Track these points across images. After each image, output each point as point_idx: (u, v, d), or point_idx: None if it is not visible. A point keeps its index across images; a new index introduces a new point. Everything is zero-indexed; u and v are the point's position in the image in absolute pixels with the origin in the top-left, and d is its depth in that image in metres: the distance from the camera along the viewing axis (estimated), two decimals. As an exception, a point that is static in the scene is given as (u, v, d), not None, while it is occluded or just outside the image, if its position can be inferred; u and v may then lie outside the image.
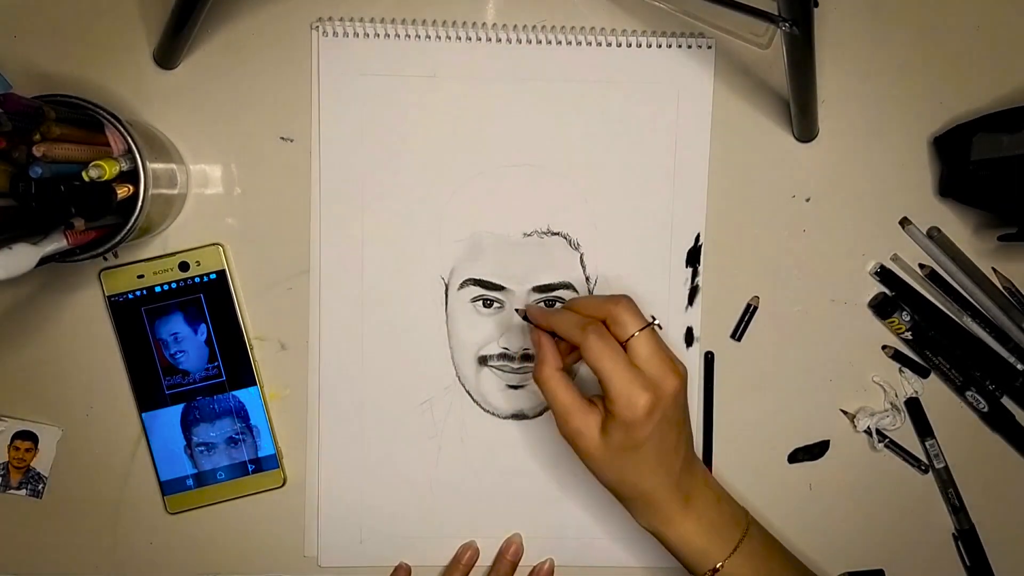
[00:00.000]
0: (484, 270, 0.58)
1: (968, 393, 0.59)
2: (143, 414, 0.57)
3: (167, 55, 0.55)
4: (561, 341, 0.50)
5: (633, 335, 0.47)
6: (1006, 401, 0.59)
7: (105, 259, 0.55)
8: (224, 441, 0.58)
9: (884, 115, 0.58)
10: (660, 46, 0.57)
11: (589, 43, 0.56)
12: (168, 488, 0.58)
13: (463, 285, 0.58)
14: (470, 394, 0.59)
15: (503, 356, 0.58)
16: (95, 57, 0.56)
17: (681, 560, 0.50)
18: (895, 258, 0.59)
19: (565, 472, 0.59)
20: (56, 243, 0.45)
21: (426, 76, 0.56)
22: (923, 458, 0.60)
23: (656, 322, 0.48)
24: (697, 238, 0.58)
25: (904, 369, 0.59)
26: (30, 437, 0.57)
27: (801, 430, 0.60)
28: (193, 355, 0.57)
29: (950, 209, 0.59)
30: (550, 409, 0.49)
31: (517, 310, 0.56)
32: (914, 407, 0.60)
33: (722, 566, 0.49)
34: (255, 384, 0.58)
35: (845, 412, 0.60)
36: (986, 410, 0.59)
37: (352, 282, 0.58)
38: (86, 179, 0.45)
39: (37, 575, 0.59)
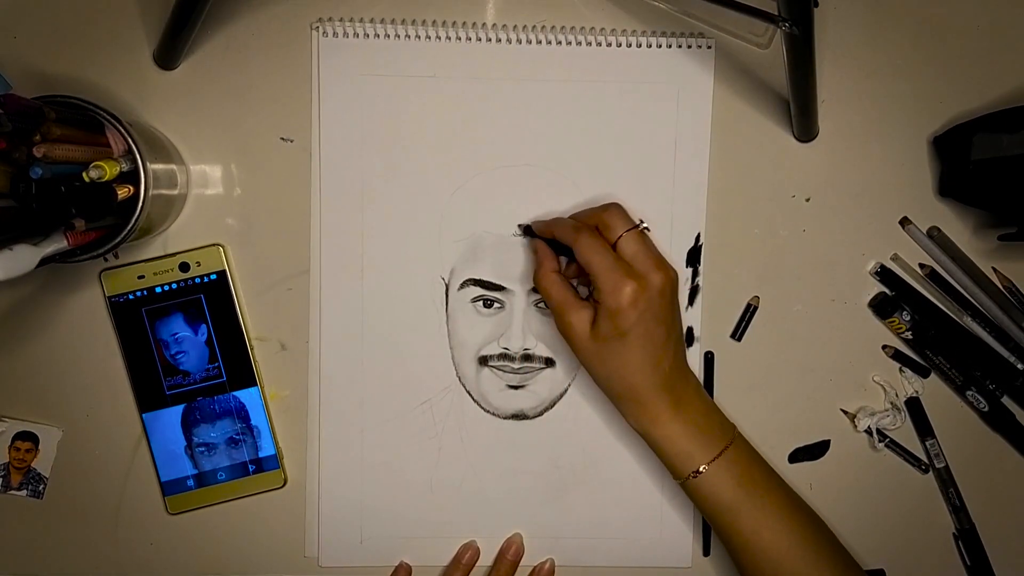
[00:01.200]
0: (484, 270, 0.58)
1: (968, 393, 0.59)
2: (143, 415, 0.57)
3: (167, 56, 0.55)
4: (562, 257, 0.54)
5: (621, 236, 0.50)
6: (1006, 401, 0.59)
7: (105, 260, 0.55)
8: (224, 441, 0.58)
9: (884, 115, 0.58)
10: (660, 46, 0.57)
11: (589, 43, 0.56)
12: (169, 489, 0.58)
13: (463, 285, 0.58)
14: (470, 394, 0.59)
15: (503, 356, 0.58)
16: (95, 58, 0.56)
17: (665, 461, 0.52)
18: (895, 258, 0.59)
19: (565, 472, 0.59)
20: (56, 244, 0.45)
21: (426, 76, 0.56)
22: (923, 458, 0.60)
23: (644, 225, 0.51)
24: (697, 238, 0.58)
25: (904, 369, 0.59)
26: (31, 438, 0.57)
27: (801, 430, 0.60)
28: (193, 355, 0.57)
29: (950, 209, 0.59)
30: (550, 309, 0.52)
31: (519, 225, 0.57)
32: (914, 407, 0.60)
33: (704, 469, 0.50)
34: (255, 384, 0.58)
35: (845, 412, 0.60)
36: (986, 410, 0.59)
37: (352, 282, 0.58)
38: (86, 180, 0.45)
39: (37, 575, 0.59)
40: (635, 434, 0.57)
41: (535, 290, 0.57)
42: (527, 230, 0.57)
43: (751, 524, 0.51)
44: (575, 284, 0.54)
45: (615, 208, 0.51)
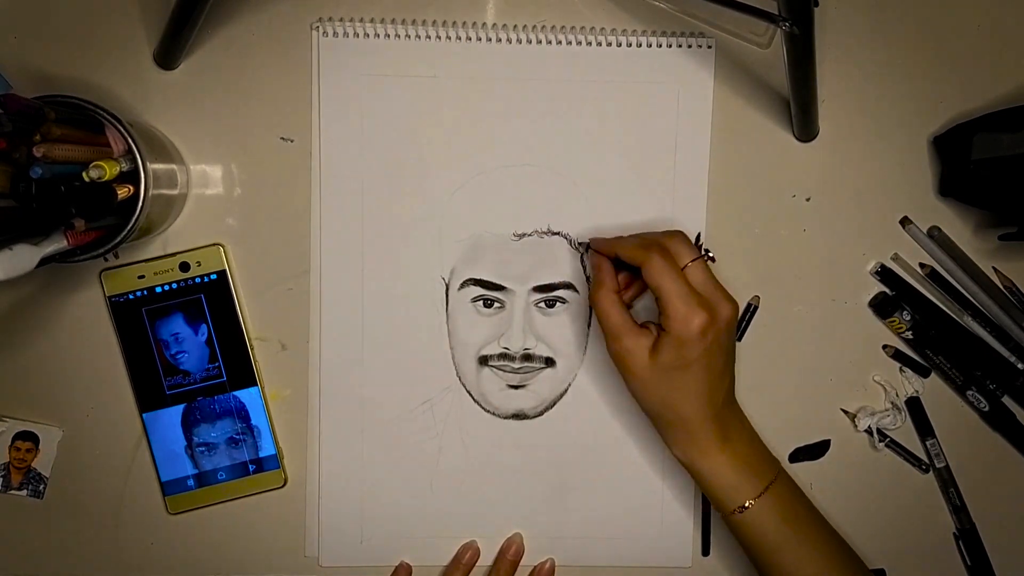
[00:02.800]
0: (485, 270, 0.58)
1: (969, 392, 0.59)
2: (144, 414, 0.57)
3: (167, 55, 0.55)
4: (620, 275, 0.52)
5: (688, 264, 0.49)
6: (1007, 400, 0.59)
7: (106, 260, 0.55)
8: (225, 441, 0.58)
9: (884, 114, 0.58)
10: (660, 46, 0.57)
11: (589, 43, 0.56)
12: (169, 488, 0.58)
13: (464, 285, 0.58)
14: (471, 394, 0.59)
15: (504, 356, 0.58)
16: (95, 58, 0.56)
17: (711, 494, 0.51)
18: (895, 257, 0.59)
19: (565, 472, 0.59)
20: (57, 244, 0.45)
21: (426, 76, 0.56)
22: (924, 457, 0.60)
23: (710, 254, 0.51)
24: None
25: (905, 368, 0.59)
26: (31, 438, 0.57)
27: (802, 430, 0.60)
28: (194, 355, 0.57)
29: (950, 208, 0.59)
30: (601, 329, 0.51)
31: (580, 243, 0.57)
32: (915, 406, 0.60)
33: (752, 504, 0.50)
34: (256, 384, 0.58)
35: (846, 412, 0.60)
36: (987, 409, 0.59)
37: (352, 282, 0.58)
38: (86, 180, 0.45)
39: (38, 575, 0.59)
40: (636, 433, 0.58)
41: (535, 290, 0.57)
42: (587, 247, 0.55)
43: (794, 560, 0.50)
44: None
45: (681, 235, 0.51)
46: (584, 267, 0.58)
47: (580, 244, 0.57)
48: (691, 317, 0.47)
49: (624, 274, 0.53)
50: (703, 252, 0.50)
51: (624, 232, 0.54)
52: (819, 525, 0.52)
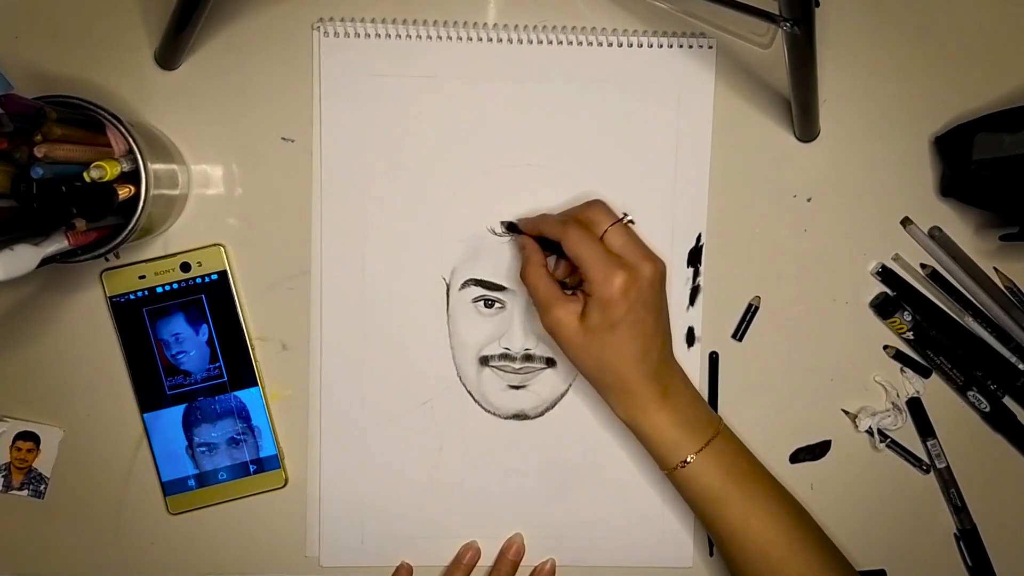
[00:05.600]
0: (485, 270, 0.58)
1: (970, 393, 0.59)
2: (144, 414, 0.57)
3: (168, 55, 0.55)
4: (548, 256, 0.53)
5: (607, 229, 0.50)
6: (1008, 401, 0.59)
7: (106, 260, 0.55)
8: (225, 441, 0.58)
9: (885, 115, 0.58)
10: (661, 46, 0.57)
11: (590, 43, 0.56)
12: (169, 488, 0.58)
13: (464, 285, 0.58)
14: (471, 394, 0.59)
15: (504, 356, 0.58)
16: (96, 58, 0.56)
17: (653, 451, 0.52)
18: (896, 258, 0.59)
19: (566, 472, 0.59)
20: (57, 244, 0.45)
21: (427, 76, 0.56)
22: (924, 458, 0.60)
23: (628, 217, 0.51)
24: (698, 238, 0.58)
25: (905, 369, 0.59)
26: (32, 438, 0.57)
27: (802, 430, 0.60)
28: (194, 355, 0.57)
29: (951, 209, 0.59)
30: (534, 304, 0.52)
31: (502, 222, 0.57)
32: (915, 407, 0.60)
33: (692, 459, 0.51)
34: (256, 384, 0.58)
35: (846, 412, 0.60)
36: (988, 410, 0.59)
37: (353, 282, 0.58)
38: (87, 180, 0.45)
39: (39, 575, 0.59)
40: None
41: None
42: (511, 227, 0.56)
43: (739, 514, 0.51)
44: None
45: (598, 203, 0.52)
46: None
47: (503, 224, 0.57)
48: (611, 278, 0.48)
49: (553, 256, 0.54)
50: (622, 216, 0.51)
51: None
52: (764, 479, 0.53)
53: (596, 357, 0.50)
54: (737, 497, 0.51)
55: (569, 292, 0.52)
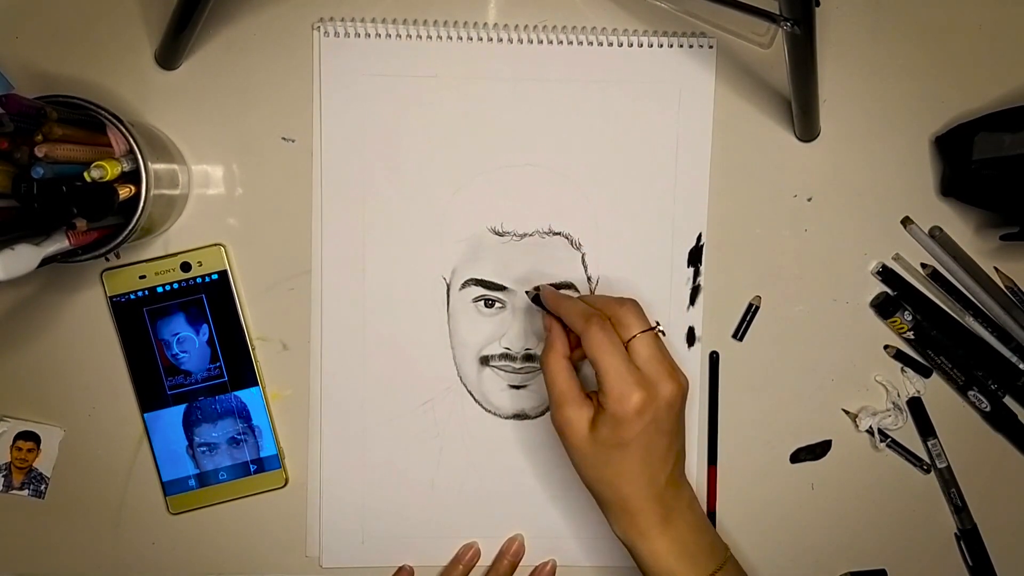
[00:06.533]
0: (486, 270, 0.58)
1: (970, 393, 0.59)
2: (145, 414, 0.57)
3: (168, 55, 0.55)
4: (572, 333, 0.50)
5: (635, 336, 0.47)
6: (1008, 401, 0.59)
7: (107, 260, 0.55)
8: (226, 441, 0.58)
9: (886, 114, 0.58)
10: (661, 46, 0.57)
11: (590, 43, 0.56)
12: (170, 488, 0.58)
13: (465, 285, 0.58)
14: (472, 394, 0.59)
15: (505, 356, 0.58)
16: (97, 58, 0.56)
17: None
18: (897, 257, 0.59)
19: (567, 472, 0.59)
20: (58, 244, 0.45)
21: (427, 76, 0.56)
22: (925, 458, 0.60)
23: (660, 328, 0.48)
24: (699, 238, 0.58)
25: (906, 369, 0.59)
26: (32, 438, 0.57)
27: (803, 430, 0.60)
28: (195, 355, 0.57)
29: (952, 208, 0.59)
30: (548, 396, 0.49)
31: (527, 292, 0.56)
32: (916, 407, 0.60)
33: None
34: (257, 384, 0.58)
35: (847, 412, 0.60)
36: (988, 410, 0.59)
37: (354, 282, 0.58)
38: (88, 180, 0.45)
39: (39, 575, 0.59)
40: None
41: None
42: (536, 299, 0.54)
43: None
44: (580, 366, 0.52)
45: (632, 305, 0.48)
46: (585, 268, 0.58)
47: (528, 293, 0.56)
48: (628, 396, 0.45)
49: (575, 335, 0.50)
50: (654, 325, 0.48)
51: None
52: None
53: (599, 470, 0.47)
54: None
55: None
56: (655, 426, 0.46)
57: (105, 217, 0.47)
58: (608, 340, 0.46)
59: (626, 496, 0.47)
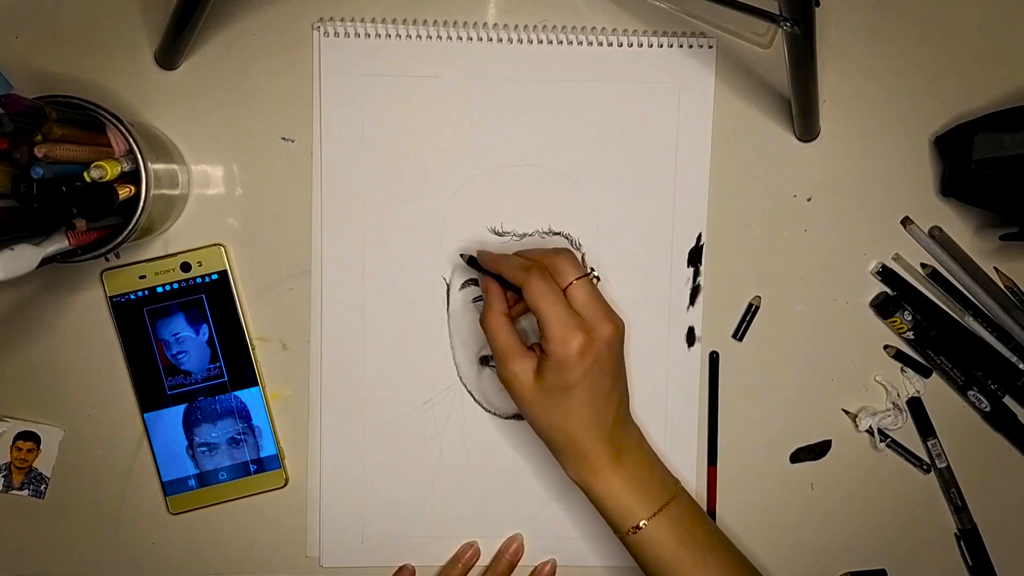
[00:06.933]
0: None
1: (970, 393, 0.59)
2: (145, 414, 0.57)
3: (168, 55, 0.55)
4: (508, 293, 0.52)
5: (571, 283, 0.49)
6: (1008, 401, 0.59)
7: (107, 260, 0.55)
8: (226, 441, 0.58)
9: (886, 114, 0.58)
10: (661, 46, 0.57)
11: (590, 43, 0.56)
12: (170, 488, 0.58)
13: (464, 285, 0.58)
14: (472, 394, 0.59)
15: (504, 356, 0.58)
16: (96, 58, 0.56)
17: (605, 515, 0.51)
18: (897, 257, 0.59)
19: (567, 472, 0.59)
20: (58, 244, 0.45)
21: (427, 76, 0.56)
22: (925, 458, 0.60)
23: (595, 273, 0.51)
24: (699, 238, 0.58)
25: (906, 369, 0.59)
26: (32, 438, 0.57)
27: (803, 430, 0.60)
28: (195, 355, 0.57)
29: (952, 208, 0.59)
30: (492, 353, 0.51)
31: (462, 255, 0.56)
32: (916, 407, 0.60)
33: (644, 524, 0.49)
34: (257, 384, 0.58)
35: (847, 412, 0.60)
36: (988, 409, 0.59)
37: (353, 282, 0.58)
38: (88, 180, 0.45)
39: (39, 575, 0.59)
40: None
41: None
42: (471, 261, 0.55)
43: None
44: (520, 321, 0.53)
45: (566, 253, 0.50)
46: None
47: (462, 256, 0.56)
48: (568, 339, 0.47)
49: (512, 292, 0.52)
50: (589, 271, 0.50)
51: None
52: (720, 548, 0.51)
53: (549, 417, 0.49)
54: (690, 566, 0.49)
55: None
56: (597, 367, 0.48)
57: (105, 217, 0.47)
58: (548, 288, 0.48)
59: (577, 438, 0.49)
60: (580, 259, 0.50)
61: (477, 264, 0.54)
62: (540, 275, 0.48)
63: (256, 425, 0.58)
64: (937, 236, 0.58)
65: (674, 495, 0.51)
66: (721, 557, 0.51)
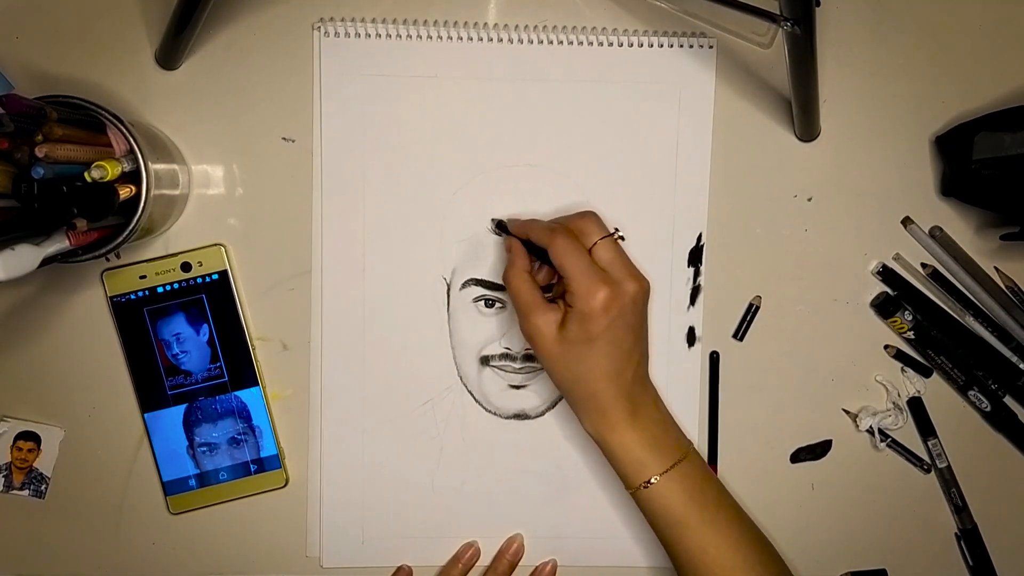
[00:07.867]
0: (486, 270, 0.58)
1: (970, 392, 0.59)
2: (145, 414, 0.57)
3: (169, 56, 0.55)
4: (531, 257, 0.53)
5: (596, 242, 0.50)
6: (1008, 400, 0.59)
7: (107, 260, 0.55)
8: (226, 441, 0.58)
9: (886, 114, 0.58)
10: (661, 46, 0.57)
11: (590, 43, 0.56)
12: (170, 488, 0.58)
13: (465, 285, 0.58)
14: (472, 394, 0.59)
15: (505, 356, 0.58)
16: (97, 58, 0.56)
17: (618, 468, 0.51)
18: (897, 257, 0.59)
19: (567, 472, 0.59)
20: (58, 244, 0.45)
21: (427, 76, 0.56)
22: (925, 458, 0.60)
23: (619, 233, 0.51)
24: (699, 237, 0.58)
25: (906, 368, 0.59)
26: (33, 438, 0.58)
27: (803, 430, 0.60)
28: (195, 355, 0.57)
29: (952, 208, 0.59)
30: (515, 308, 0.51)
31: (493, 219, 0.57)
32: (916, 406, 0.60)
33: (656, 480, 0.50)
34: (257, 384, 0.58)
35: (847, 412, 0.60)
36: (988, 409, 0.59)
37: (354, 282, 0.58)
38: (88, 180, 0.45)
39: (39, 575, 0.59)
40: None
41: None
42: (500, 225, 0.56)
43: (698, 540, 0.50)
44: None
45: (591, 215, 0.51)
46: None
47: (493, 221, 0.57)
48: (593, 292, 0.48)
49: (537, 262, 0.53)
50: (613, 231, 0.51)
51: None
52: (727, 508, 0.52)
53: (570, 369, 0.50)
54: (698, 523, 0.50)
55: (551, 301, 0.51)
56: (621, 321, 0.49)
57: (105, 217, 0.47)
58: (573, 246, 0.49)
59: (596, 392, 0.50)
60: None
61: (506, 229, 0.55)
62: (565, 235, 0.49)
63: (256, 425, 0.58)
64: (937, 236, 0.58)
65: (686, 454, 0.51)
66: (729, 517, 0.52)
